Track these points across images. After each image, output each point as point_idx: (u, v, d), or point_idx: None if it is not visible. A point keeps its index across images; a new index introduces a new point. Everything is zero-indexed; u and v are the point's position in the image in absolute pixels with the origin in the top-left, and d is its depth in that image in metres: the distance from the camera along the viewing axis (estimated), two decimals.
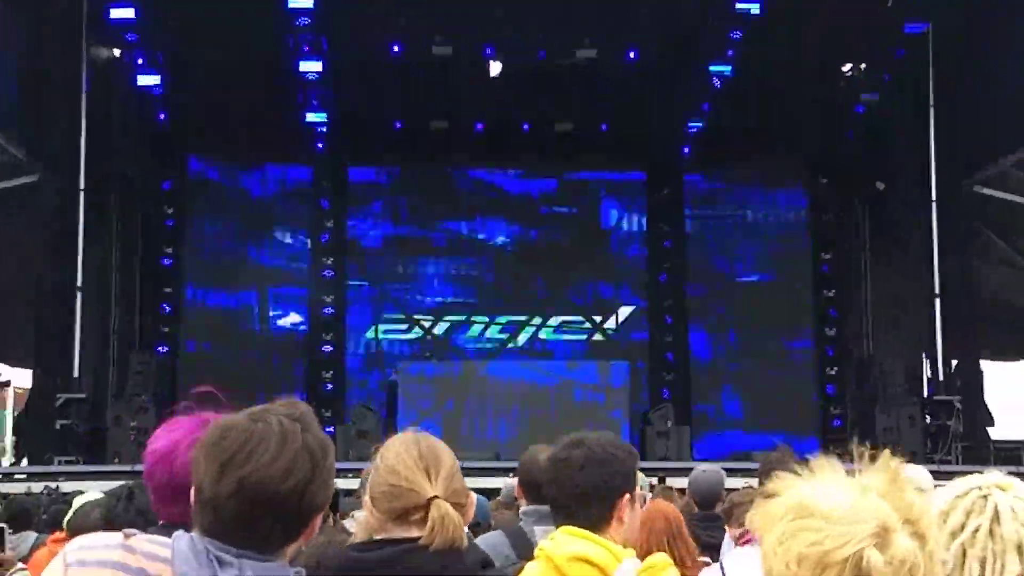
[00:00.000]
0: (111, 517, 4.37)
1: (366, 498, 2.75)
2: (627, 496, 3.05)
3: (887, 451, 1.70)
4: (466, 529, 3.00)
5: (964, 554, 2.06)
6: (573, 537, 2.91)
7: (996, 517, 2.08)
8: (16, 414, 20.50)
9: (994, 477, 2.18)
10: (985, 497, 2.10)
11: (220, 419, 1.99)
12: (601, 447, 3.09)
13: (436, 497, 2.64)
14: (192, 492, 1.96)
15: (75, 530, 4.86)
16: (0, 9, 15.32)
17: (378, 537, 2.73)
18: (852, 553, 1.55)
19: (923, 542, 1.60)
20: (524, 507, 4.26)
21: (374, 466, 2.77)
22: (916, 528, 1.60)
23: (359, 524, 2.99)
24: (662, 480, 11.44)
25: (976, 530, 2.06)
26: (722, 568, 4.26)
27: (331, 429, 20.88)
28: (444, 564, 2.63)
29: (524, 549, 3.94)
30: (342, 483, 12.75)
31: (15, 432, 20.44)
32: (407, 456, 2.70)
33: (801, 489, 1.64)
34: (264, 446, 1.90)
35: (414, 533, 2.67)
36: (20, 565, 4.93)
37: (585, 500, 3.01)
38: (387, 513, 2.70)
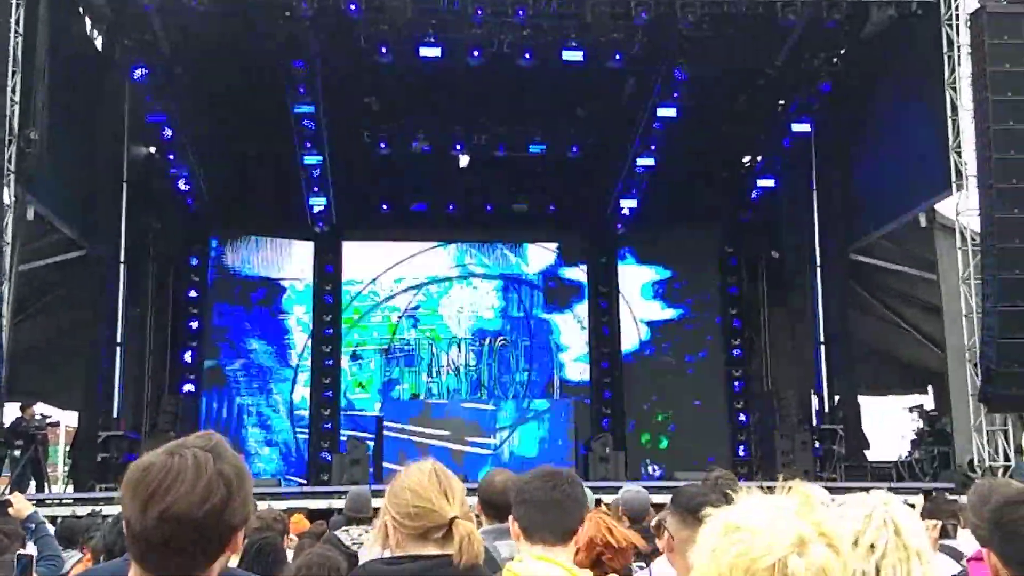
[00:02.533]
0: (108, 544, 4.35)
1: (386, 518, 2.64)
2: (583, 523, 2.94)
3: (796, 478, 1.68)
4: None
5: (878, 567, 2.05)
6: (540, 561, 2.72)
7: (897, 531, 2.08)
8: (66, 449, 20.25)
9: (881, 496, 2.17)
10: (884, 517, 2.09)
11: (140, 459, 1.84)
12: (574, 486, 2.93)
13: (457, 517, 2.57)
14: (124, 527, 1.82)
15: (92, 551, 4.86)
16: (62, 117, 15.36)
17: (399, 553, 2.64)
18: (776, 560, 1.51)
19: (836, 552, 1.55)
20: (485, 526, 4.09)
21: (393, 490, 2.67)
22: (829, 541, 1.55)
23: (372, 541, 2.85)
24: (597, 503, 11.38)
25: (886, 543, 2.06)
26: (650, 572, 4.28)
27: (328, 457, 20.85)
28: None
29: (491, 564, 3.92)
30: (337, 503, 12.72)
31: (65, 464, 20.21)
32: (428, 481, 2.61)
33: (728, 511, 1.61)
34: (181, 478, 1.76)
35: (430, 550, 2.58)
36: None
37: (559, 526, 2.84)
38: (412, 531, 2.60)
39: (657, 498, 7.50)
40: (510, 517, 2.91)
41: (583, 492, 2.95)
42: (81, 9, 16.10)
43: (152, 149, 19.75)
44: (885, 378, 20.32)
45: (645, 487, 7.51)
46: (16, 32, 14.30)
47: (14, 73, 14.22)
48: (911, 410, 18.81)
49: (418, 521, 2.58)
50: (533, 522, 2.83)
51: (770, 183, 21.66)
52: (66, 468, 19.87)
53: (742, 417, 22.87)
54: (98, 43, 17.73)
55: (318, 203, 21.71)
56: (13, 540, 5.74)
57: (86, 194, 17.50)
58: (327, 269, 23.31)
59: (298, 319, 23.17)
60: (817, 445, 19.13)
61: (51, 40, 14.65)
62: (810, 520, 1.56)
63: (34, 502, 13.76)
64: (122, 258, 18.45)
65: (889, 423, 19.65)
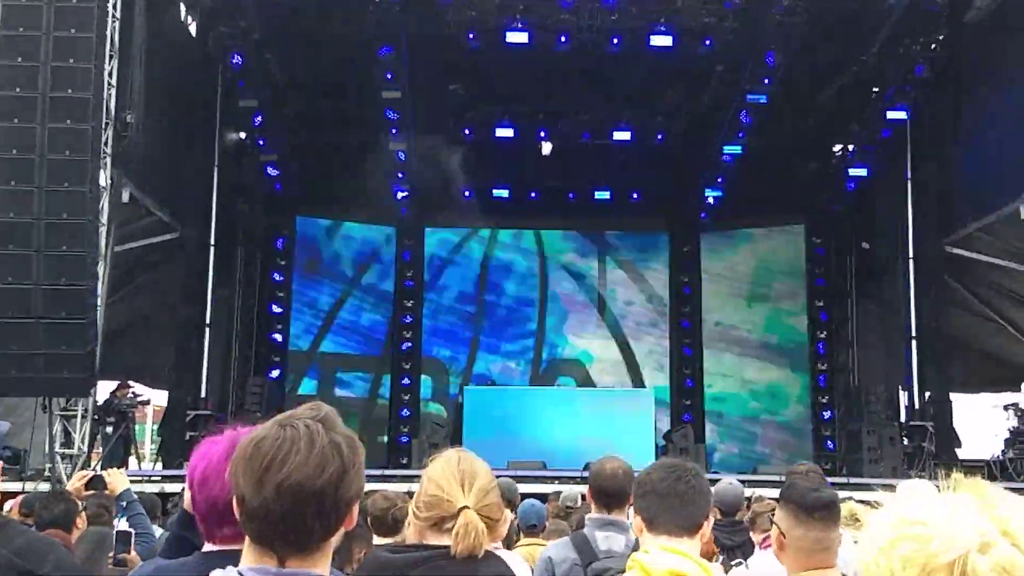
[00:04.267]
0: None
1: (411, 507, 2.62)
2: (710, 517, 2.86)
3: (975, 474, 1.55)
4: (497, 544, 2.82)
5: None
6: (668, 552, 2.59)
7: None
8: (154, 427, 20.74)
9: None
10: None
11: (249, 432, 1.81)
12: (699, 478, 2.84)
13: (466, 507, 2.50)
14: (235, 506, 1.78)
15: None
16: (157, 102, 15.66)
17: (412, 542, 2.59)
18: (957, 557, 1.39)
19: (1021, 551, 1.42)
20: (591, 514, 4.04)
21: (421, 479, 2.64)
22: (1014, 540, 1.43)
23: (407, 530, 2.78)
24: None
25: None
26: (747, 567, 4.19)
27: (408, 439, 21.04)
28: (458, 571, 2.46)
29: (587, 555, 3.78)
30: (416, 486, 12.82)
31: (153, 442, 20.70)
32: (446, 469, 2.57)
33: (900, 504, 1.49)
34: (295, 448, 1.73)
35: (446, 541, 2.50)
36: None
37: (686, 518, 2.75)
38: (426, 521, 2.56)
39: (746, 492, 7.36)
40: (629, 509, 2.83)
41: (708, 484, 2.86)
42: None
43: (243, 135, 20.03)
44: (978, 374, 19.69)
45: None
46: (113, 17, 14.58)
47: (111, 57, 14.50)
48: (1005, 408, 18.22)
49: (432, 511, 2.53)
50: (658, 514, 2.74)
51: (863, 172, 21.10)
52: (154, 446, 20.35)
53: (827, 412, 22.44)
54: (192, 29, 18.03)
55: (401, 189, 21.86)
56: (109, 515, 5.84)
57: (179, 178, 17.84)
58: (405, 256, 23.45)
59: (379, 304, 23.37)
60: (906, 442, 18.65)
61: (147, 25, 14.91)
62: (993, 517, 1.44)
63: (134, 478, 14.13)
64: (212, 241, 18.77)
65: (982, 421, 19.08)
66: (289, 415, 1.81)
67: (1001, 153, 17.01)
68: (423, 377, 23.02)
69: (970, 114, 18.07)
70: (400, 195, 22.10)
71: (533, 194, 23.01)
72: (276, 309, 22.18)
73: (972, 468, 17.13)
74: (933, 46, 17.44)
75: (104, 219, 14.51)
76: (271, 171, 20.88)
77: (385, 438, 22.37)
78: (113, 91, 14.59)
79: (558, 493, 8.65)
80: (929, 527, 1.43)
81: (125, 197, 15.37)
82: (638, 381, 23.09)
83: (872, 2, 15.60)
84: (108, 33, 14.38)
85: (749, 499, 7.17)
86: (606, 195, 22.90)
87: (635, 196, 23.13)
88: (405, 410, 22.60)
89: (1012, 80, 16.69)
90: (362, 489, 1.82)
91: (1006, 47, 16.61)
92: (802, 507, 3.24)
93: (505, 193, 22.77)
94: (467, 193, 22.91)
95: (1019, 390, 19.14)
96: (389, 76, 18.30)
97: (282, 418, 1.80)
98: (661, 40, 17.20)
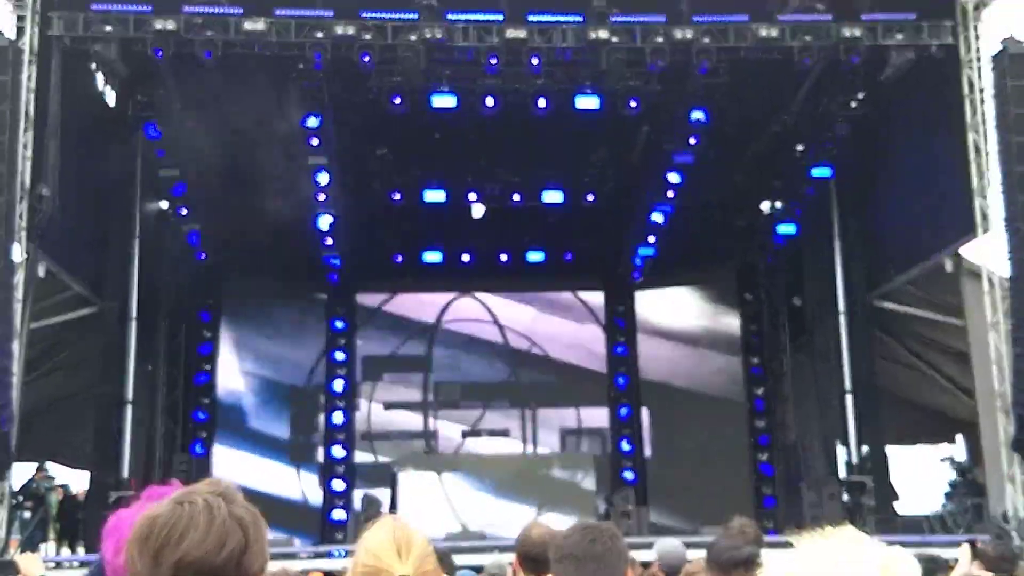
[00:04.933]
0: None
1: None
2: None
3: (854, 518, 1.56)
4: None
5: None
6: None
7: None
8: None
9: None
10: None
11: (145, 511, 1.74)
12: (616, 539, 2.86)
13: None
14: None
15: None
16: (74, 173, 15.48)
17: None
18: None
19: None
20: None
21: (358, 548, 2.58)
22: None
23: None
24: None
25: None
26: None
27: (345, 517, 20.69)
28: None
29: None
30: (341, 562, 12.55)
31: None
32: (382, 537, 2.52)
33: (789, 558, 1.51)
34: (193, 524, 1.66)
35: None
36: None
37: None
38: None
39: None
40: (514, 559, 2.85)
41: (625, 546, 2.86)
42: (93, 65, 16.27)
43: (164, 204, 19.85)
44: (914, 427, 20.07)
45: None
46: (28, 88, 14.47)
47: (26, 130, 14.37)
48: (942, 460, 18.56)
49: None
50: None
51: (791, 228, 21.58)
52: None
53: (765, 468, 22.63)
54: (110, 99, 17.91)
55: (331, 255, 21.79)
56: None
57: (97, 250, 17.59)
58: (333, 324, 23.26)
59: (310, 373, 23.13)
60: (845, 498, 18.85)
61: (63, 96, 14.80)
62: (878, 563, 1.47)
63: (49, 564, 13.66)
64: (133, 314, 18.47)
65: (920, 474, 19.38)
66: (187, 491, 1.74)
67: (923, 207, 17.56)
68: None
69: (892, 170, 18.64)
70: (330, 262, 22.00)
71: (466, 257, 23.08)
72: (203, 382, 21.81)
73: (911, 522, 17.38)
74: (852, 104, 18.02)
75: (19, 295, 14.24)
76: (194, 241, 20.66)
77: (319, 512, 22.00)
78: (28, 164, 14.42)
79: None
80: None
81: (41, 272, 15.11)
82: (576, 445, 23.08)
83: (790, 63, 16.09)
84: (22, 105, 14.25)
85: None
86: (539, 256, 23.08)
87: (568, 257, 23.34)
88: (339, 482, 22.27)
89: (929, 136, 17.31)
90: (266, 563, 1.75)
91: (922, 104, 17.25)
92: (719, 565, 3.30)
93: (437, 257, 22.82)
94: (398, 258, 22.95)
95: (954, 442, 19.55)
96: (315, 141, 18.33)
97: (179, 495, 1.73)
98: (587, 102, 17.52)
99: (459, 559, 8.33)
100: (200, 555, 1.64)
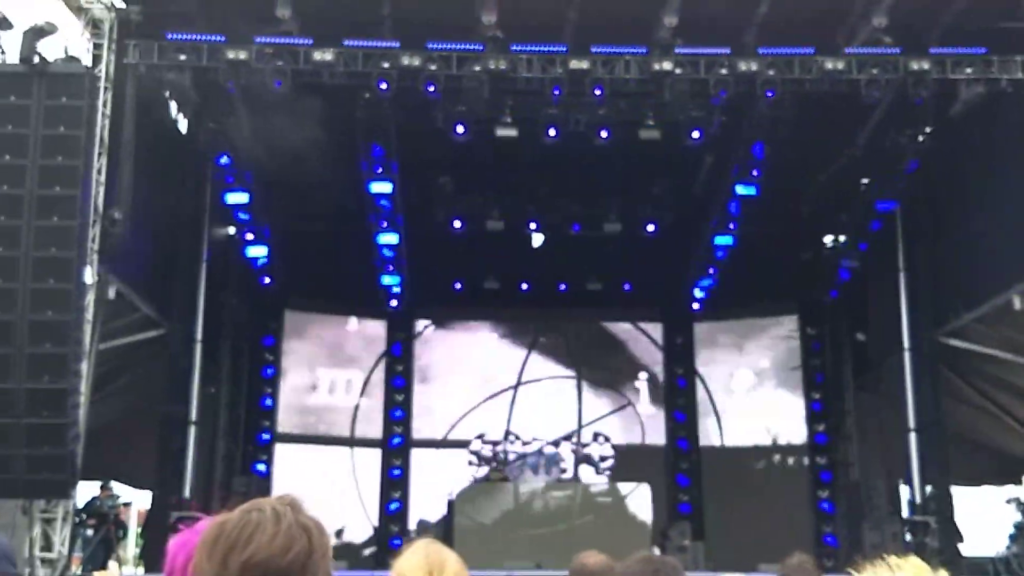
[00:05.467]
0: None
1: None
2: None
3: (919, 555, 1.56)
4: None
5: None
6: None
7: None
8: (138, 530, 20.46)
9: None
10: None
11: (214, 519, 1.81)
12: (678, 572, 2.86)
13: None
14: None
15: None
16: (145, 198, 15.84)
17: None
18: None
19: None
20: None
21: (392, 572, 2.63)
22: None
23: None
24: None
25: None
26: None
27: (399, 542, 20.72)
28: None
29: None
30: None
31: (137, 545, 20.37)
32: (414, 561, 2.56)
33: None
34: (261, 528, 1.72)
35: None
36: None
37: None
38: None
39: None
40: None
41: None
42: (167, 93, 16.68)
43: (231, 229, 20.19)
44: (979, 468, 19.61)
45: None
46: (104, 114, 14.86)
47: (100, 154, 14.74)
48: (1008, 501, 18.11)
49: None
50: None
51: (855, 264, 21.30)
52: (138, 549, 20.03)
53: (826, 506, 22.24)
54: (182, 126, 18.32)
55: (391, 281, 22.00)
56: None
57: (166, 273, 17.94)
58: (395, 350, 23.45)
59: (370, 399, 23.30)
60: (908, 537, 18.46)
61: (137, 123, 15.16)
62: None
63: None
64: (199, 337, 18.77)
65: (985, 515, 18.92)
66: (255, 502, 1.81)
67: (992, 243, 17.23)
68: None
69: (959, 205, 18.34)
70: (390, 288, 22.20)
71: (524, 286, 23.14)
72: (267, 403, 22.08)
73: (976, 565, 16.97)
74: (920, 138, 17.77)
75: (89, 316, 14.55)
76: (260, 265, 20.99)
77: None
78: (102, 188, 14.78)
79: None
80: None
81: (111, 294, 15.44)
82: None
83: (857, 96, 15.93)
84: (98, 131, 14.63)
85: None
86: (598, 286, 23.04)
87: (627, 287, 23.28)
88: (395, 504, 22.37)
89: (999, 171, 17.00)
90: (329, 571, 1.80)
91: (992, 139, 16.97)
92: None
93: (496, 285, 22.91)
94: (458, 285, 23.09)
95: (1020, 483, 19.06)
96: (378, 169, 18.56)
97: (247, 505, 1.80)
98: (649, 133, 17.51)
99: None
100: (266, 557, 1.70)
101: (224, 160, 18.10)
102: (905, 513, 19.44)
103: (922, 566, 1.55)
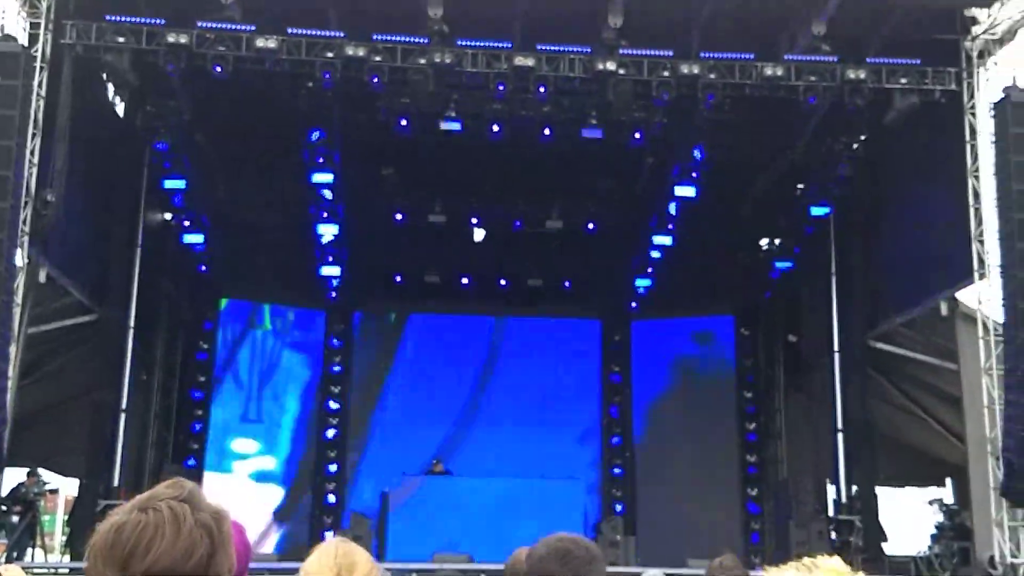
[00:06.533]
0: None
1: None
2: None
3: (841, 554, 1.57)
4: None
5: None
6: None
7: None
8: (64, 517, 20.04)
9: None
10: None
11: (109, 519, 1.68)
12: (583, 547, 2.77)
13: None
14: None
15: None
16: (79, 180, 15.50)
17: None
18: None
19: None
20: None
21: (300, 573, 2.56)
22: None
23: None
24: None
25: None
26: None
27: (331, 533, 20.57)
28: None
29: None
30: None
31: (63, 532, 19.95)
32: (324, 561, 2.50)
33: None
34: (160, 532, 1.62)
35: None
36: None
37: None
38: None
39: None
40: None
41: (603, 570, 2.72)
42: (105, 75, 16.32)
43: (168, 215, 19.85)
44: (904, 469, 20.00)
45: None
46: (39, 95, 14.51)
47: (34, 135, 14.40)
48: (931, 503, 18.49)
49: None
50: None
51: (788, 266, 21.61)
52: (63, 536, 19.62)
53: (755, 504, 22.54)
54: (120, 109, 17.96)
55: (331, 272, 21.81)
56: None
57: (100, 258, 17.58)
58: (334, 341, 23.28)
59: (306, 389, 23.08)
60: (833, 536, 18.77)
61: (73, 105, 14.82)
62: None
63: (31, 570, 13.56)
64: (132, 323, 18.43)
65: (908, 516, 19.30)
66: (150, 496, 1.69)
67: (921, 250, 17.59)
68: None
69: (891, 211, 18.69)
70: (330, 279, 22.01)
71: (464, 280, 23.09)
72: (197, 395, 21.71)
73: (899, 564, 17.31)
74: (855, 145, 18.08)
75: (19, 299, 14.21)
76: (196, 252, 20.66)
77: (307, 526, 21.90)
78: (35, 169, 14.44)
79: None
80: None
81: (42, 277, 15.10)
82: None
83: (795, 102, 16.15)
84: (32, 111, 14.28)
85: None
86: (538, 283, 23.07)
87: (567, 284, 23.35)
88: (330, 496, 22.20)
89: (929, 180, 17.36)
90: (233, 566, 1.72)
91: (923, 148, 17.31)
92: None
93: (436, 279, 22.82)
94: (397, 278, 22.97)
95: (943, 484, 19.48)
96: (320, 159, 18.38)
97: (143, 500, 1.68)
98: (592, 132, 17.56)
99: None
100: (168, 564, 1.61)
101: (161, 145, 17.76)
102: (831, 512, 19.76)
103: (840, 569, 1.54)
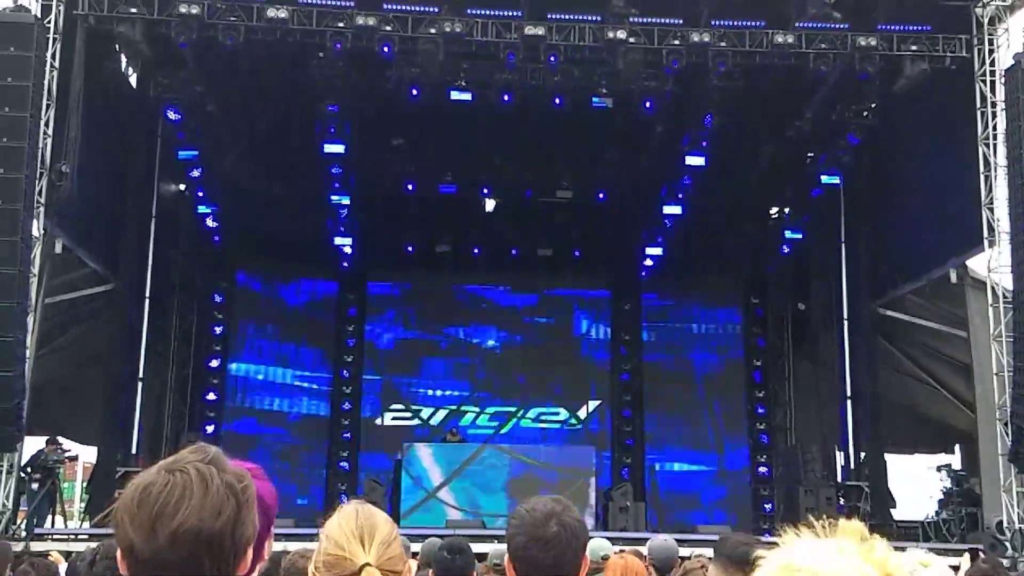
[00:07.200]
0: None
1: (310, 568, 2.47)
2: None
3: (854, 518, 1.58)
4: None
5: None
6: None
7: None
8: (83, 484, 20.23)
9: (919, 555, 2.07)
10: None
11: (133, 482, 1.70)
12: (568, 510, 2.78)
13: (368, 564, 2.39)
14: (121, 556, 1.67)
15: None
16: (94, 152, 15.52)
17: None
18: None
19: None
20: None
21: (320, 536, 2.51)
22: None
23: None
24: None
25: None
26: None
27: (345, 498, 20.70)
28: None
29: None
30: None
31: (82, 499, 20.16)
32: (345, 526, 2.45)
33: (784, 552, 1.49)
34: (188, 493, 1.64)
35: None
36: None
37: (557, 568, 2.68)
38: None
39: (681, 551, 7.41)
40: (505, 558, 2.78)
41: (582, 526, 2.74)
42: (117, 46, 16.30)
43: (182, 186, 19.88)
44: (912, 436, 20.03)
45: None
46: (52, 66, 14.51)
47: (48, 107, 14.41)
48: (939, 469, 18.54)
49: (332, 570, 2.39)
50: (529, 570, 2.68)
51: (798, 235, 21.55)
52: (82, 504, 19.82)
53: (764, 470, 22.61)
54: (132, 80, 17.94)
55: (343, 242, 21.83)
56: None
57: (114, 229, 17.63)
58: (347, 310, 23.37)
59: (321, 357, 23.19)
60: (842, 502, 18.85)
61: (86, 76, 14.82)
62: (873, 560, 1.45)
63: (50, 536, 13.72)
64: (147, 293, 18.51)
65: (916, 482, 19.37)
66: (175, 459, 1.71)
67: (931, 218, 17.52)
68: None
69: (900, 180, 18.59)
70: (342, 249, 22.04)
71: (476, 250, 23.10)
72: (213, 364, 21.82)
73: (907, 529, 17.38)
74: (865, 113, 17.96)
75: (35, 270, 14.28)
76: (210, 223, 20.70)
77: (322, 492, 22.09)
78: (49, 140, 14.46)
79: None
80: (810, 573, 1.42)
81: (58, 248, 15.16)
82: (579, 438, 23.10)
83: (805, 70, 16.05)
84: (46, 82, 14.29)
85: (684, 558, 7.20)
86: (548, 252, 23.06)
87: (577, 254, 23.33)
88: (344, 463, 22.36)
89: (939, 148, 17.26)
90: (256, 528, 1.75)
91: (934, 116, 17.20)
92: (732, 559, 3.33)
93: (447, 248, 22.83)
94: (409, 248, 22.98)
95: (952, 451, 19.51)
96: (331, 129, 18.35)
97: (168, 463, 1.70)
98: (602, 101, 17.48)
99: None
100: (196, 525, 1.63)
101: (174, 116, 17.75)
102: (839, 478, 19.82)
103: (857, 528, 1.55)
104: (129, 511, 1.65)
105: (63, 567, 5.40)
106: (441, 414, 23.14)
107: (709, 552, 5.75)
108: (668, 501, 22.49)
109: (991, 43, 15.67)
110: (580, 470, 20.68)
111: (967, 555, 5.06)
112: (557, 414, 23.50)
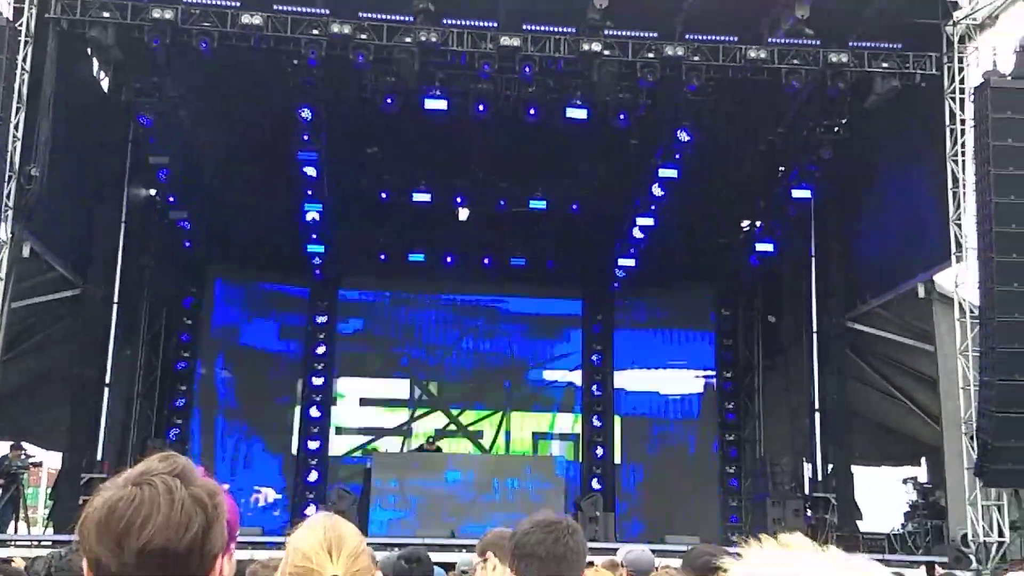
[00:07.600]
0: None
1: None
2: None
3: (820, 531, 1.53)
4: None
5: None
6: None
7: None
8: (47, 490, 19.97)
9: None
10: None
11: (101, 494, 1.63)
12: (576, 535, 2.85)
13: None
14: (87, 571, 1.63)
15: None
16: (64, 155, 15.35)
17: None
18: None
19: None
20: None
21: (286, 548, 2.48)
22: None
23: None
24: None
25: None
26: None
27: (316, 507, 20.56)
28: None
29: None
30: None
31: (46, 505, 19.90)
32: (312, 537, 2.42)
33: (747, 563, 1.38)
34: (155, 508, 1.59)
35: None
36: None
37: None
38: None
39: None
40: (506, 569, 2.78)
41: (584, 542, 2.82)
42: (89, 50, 16.15)
43: (152, 191, 19.71)
44: (879, 449, 20.17)
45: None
46: (23, 69, 14.36)
47: (18, 109, 14.26)
48: (905, 482, 18.67)
49: None
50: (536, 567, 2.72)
51: (769, 248, 21.67)
52: (46, 510, 19.56)
53: (734, 482, 22.69)
54: (104, 84, 17.78)
55: (316, 250, 21.72)
56: None
57: (84, 233, 17.44)
58: (315, 318, 23.21)
59: (290, 366, 23.03)
60: (809, 513, 18.94)
61: (57, 79, 14.67)
62: (833, 571, 1.36)
63: (13, 543, 13.52)
64: (115, 298, 18.31)
65: (883, 494, 19.48)
66: (143, 471, 1.64)
67: (900, 233, 17.66)
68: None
69: (870, 195, 18.75)
70: (314, 257, 21.93)
71: (449, 259, 23.06)
72: (182, 369, 21.62)
73: (873, 541, 17.48)
74: (836, 129, 18.09)
75: (2, 274, 14.10)
76: (181, 229, 20.53)
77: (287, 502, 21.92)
78: (19, 143, 14.30)
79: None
80: None
81: (26, 252, 14.98)
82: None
83: (777, 85, 16.16)
84: (16, 85, 14.14)
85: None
86: (521, 262, 23.07)
87: (550, 264, 23.35)
88: (313, 472, 22.20)
89: (908, 164, 17.42)
90: (226, 540, 1.70)
91: (904, 132, 17.36)
92: (697, 570, 3.35)
93: (420, 257, 22.78)
94: (382, 256, 22.91)
95: (918, 464, 19.66)
96: (305, 137, 18.26)
97: (136, 475, 1.63)
98: (576, 113, 17.51)
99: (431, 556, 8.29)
100: (163, 541, 1.58)
101: (146, 121, 17.60)
102: (807, 490, 19.91)
103: (807, 544, 1.51)
104: (95, 527, 1.60)
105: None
106: (404, 417, 23.05)
107: (677, 563, 5.76)
108: (636, 512, 22.50)
109: (961, 61, 15.85)
110: (551, 478, 20.70)
111: (923, 568, 5.07)
112: (529, 423, 23.48)
